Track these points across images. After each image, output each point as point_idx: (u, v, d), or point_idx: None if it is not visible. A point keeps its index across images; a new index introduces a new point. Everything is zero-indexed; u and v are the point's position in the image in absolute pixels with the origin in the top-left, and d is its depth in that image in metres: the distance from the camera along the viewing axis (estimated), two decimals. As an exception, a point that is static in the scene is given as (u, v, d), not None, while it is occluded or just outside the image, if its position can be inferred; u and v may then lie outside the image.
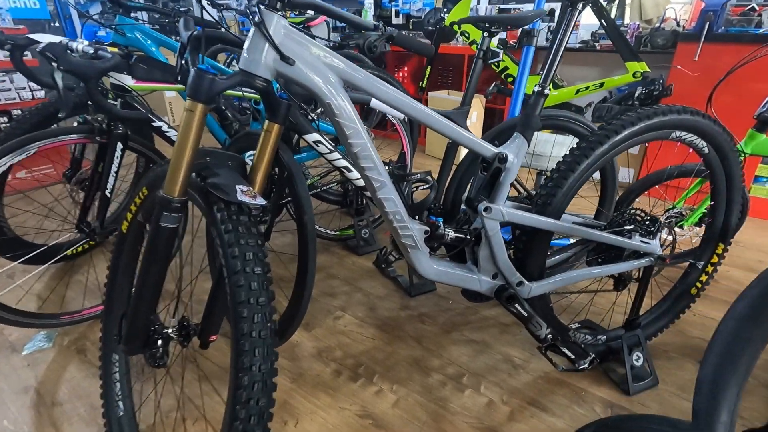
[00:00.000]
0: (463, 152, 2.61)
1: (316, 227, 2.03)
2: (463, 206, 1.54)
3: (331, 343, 1.48)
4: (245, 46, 0.75)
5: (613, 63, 3.06)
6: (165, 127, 1.57)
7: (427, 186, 1.08)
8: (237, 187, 0.76)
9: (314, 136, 1.30)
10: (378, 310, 1.65)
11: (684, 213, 1.80)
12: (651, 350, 1.43)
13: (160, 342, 0.86)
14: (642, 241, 1.17)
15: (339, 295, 1.73)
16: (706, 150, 1.20)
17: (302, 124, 1.27)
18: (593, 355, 1.08)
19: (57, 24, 4.65)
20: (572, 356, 1.07)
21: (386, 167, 0.94)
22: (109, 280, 1.16)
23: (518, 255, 1.13)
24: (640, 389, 1.28)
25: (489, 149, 1.00)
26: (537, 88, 1.00)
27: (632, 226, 1.19)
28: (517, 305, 1.09)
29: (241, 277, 0.70)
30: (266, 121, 0.87)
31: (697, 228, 1.86)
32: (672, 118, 1.08)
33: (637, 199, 1.82)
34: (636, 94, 2.66)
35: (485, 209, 1.01)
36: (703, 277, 1.39)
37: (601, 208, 1.69)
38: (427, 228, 1.00)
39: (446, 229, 1.02)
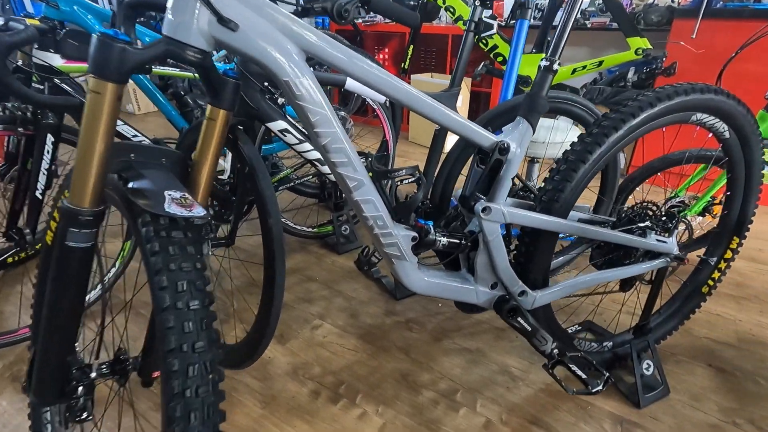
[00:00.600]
0: (451, 139, 2.44)
1: (291, 224, 1.85)
2: (453, 200, 1.38)
3: (309, 357, 1.31)
4: (168, 3, 0.56)
5: (603, 42, 2.92)
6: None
7: (413, 180, 0.91)
8: (166, 193, 0.58)
9: (280, 125, 1.11)
10: (361, 316, 1.49)
11: (687, 202, 1.68)
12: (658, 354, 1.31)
13: (81, 390, 0.68)
14: (658, 240, 1.03)
15: (317, 301, 1.56)
16: (726, 134, 1.06)
17: (264, 110, 1.08)
18: (607, 374, 0.95)
19: (7, 6, 4.23)
20: (583, 376, 0.93)
21: (364, 161, 0.77)
22: (35, 300, 0.97)
23: (520, 260, 0.97)
24: (651, 400, 1.16)
25: (487, 138, 0.83)
26: (544, 63, 0.83)
27: (646, 222, 1.05)
28: (520, 318, 0.94)
29: (171, 315, 0.52)
30: (209, 107, 0.68)
31: (700, 218, 1.75)
32: (694, 98, 0.93)
33: (637, 188, 1.70)
34: (629, 75, 2.53)
35: (483, 210, 0.84)
36: (716, 274, 1.27)
37: (602, 196, 1.55)
38: (415, 234, 0.84)
39: (437, 234, 0.86)
